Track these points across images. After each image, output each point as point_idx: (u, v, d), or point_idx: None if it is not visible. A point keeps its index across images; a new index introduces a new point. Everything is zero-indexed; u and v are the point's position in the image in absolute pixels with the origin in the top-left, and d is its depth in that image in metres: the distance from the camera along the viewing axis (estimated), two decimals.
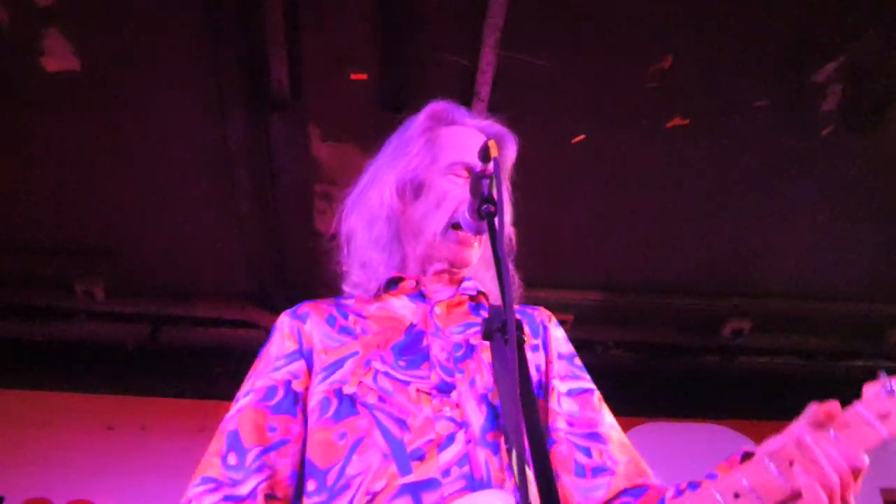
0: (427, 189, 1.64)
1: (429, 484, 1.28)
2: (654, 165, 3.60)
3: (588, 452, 1.47)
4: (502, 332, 1.22)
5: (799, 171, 3.61)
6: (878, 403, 1.21)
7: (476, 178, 1.40)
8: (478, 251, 1.61)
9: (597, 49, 3.00)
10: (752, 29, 2.93)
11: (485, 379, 1.41)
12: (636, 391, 4.54)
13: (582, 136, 3.46)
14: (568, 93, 3.19)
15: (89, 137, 3.30)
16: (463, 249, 1.58)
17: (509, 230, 1.72)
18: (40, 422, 3.92)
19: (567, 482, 1.43)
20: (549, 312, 1.68)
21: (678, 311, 4.48)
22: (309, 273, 3.90)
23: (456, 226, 1.57)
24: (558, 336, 1.63)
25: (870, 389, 1.24)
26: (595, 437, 1.50)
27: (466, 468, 1.31)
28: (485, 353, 1.45)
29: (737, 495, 1.13)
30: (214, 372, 4.09)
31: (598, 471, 1.45)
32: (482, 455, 1.32)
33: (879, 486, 4.27)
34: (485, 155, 1.37)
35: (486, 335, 1.24)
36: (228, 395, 4.07)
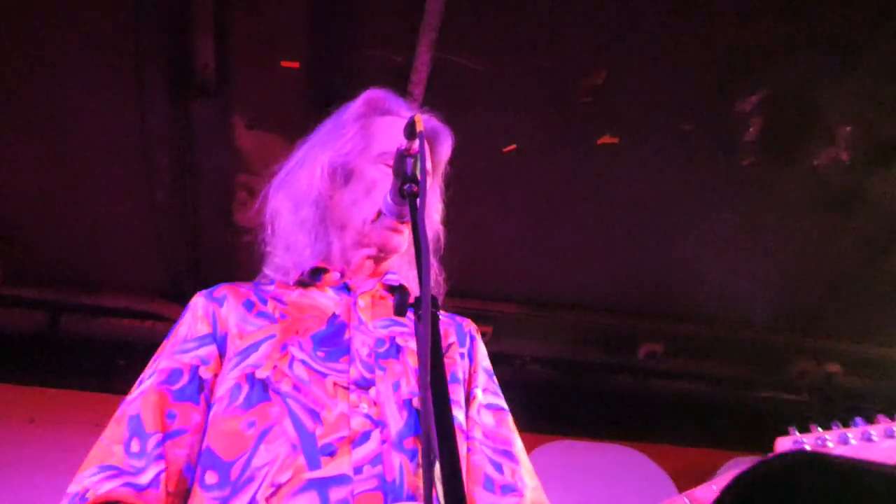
0: (357, 176, 1.60)
1: (338, 480, 1.24)
2: (581, 181, 3.62)
3: (500, 468, 1.46)
4: (415, 308, 1.16)
5: (721, 197, 3.68)
6: None
7: (400, 157, 1.34)
8: (406, 238, 1.57)
9: (533, 58, 3.00)
10: (684, 53, 2.99)
11: (410, 384, 1.38)
12: (550, 407, 4.56)
13: (513, 146, 3.46)
14: (502, 100, 3.19)
15: None
16: (394, 235, 1.54)
17: (439, 228, 1.70)
18: None
19: (475, 493, 1.42)
20: (475, 325, 1.67)
21: (596, 329, 4.50)
22: (224, 267, 3.77)
23: (378, 215, 1.53)
24: (482, 350, 1.62)
25: (782, 444, 1.31)
26: (508, 455, 1.49)
27: (379, 468, 1.27)
28: (411, 357, 1.43)
29: None
30: (116, 365, 3.90)
31: (508, 489, 1.44)
32: (397, 459, 1.28)
33: None
34: (410, 132, 1.32)
35: (399, 310, 1.19)
36: (129, 389, 3.90)
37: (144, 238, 3.72)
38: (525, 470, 1.49)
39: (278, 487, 1.23)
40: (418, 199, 1.27)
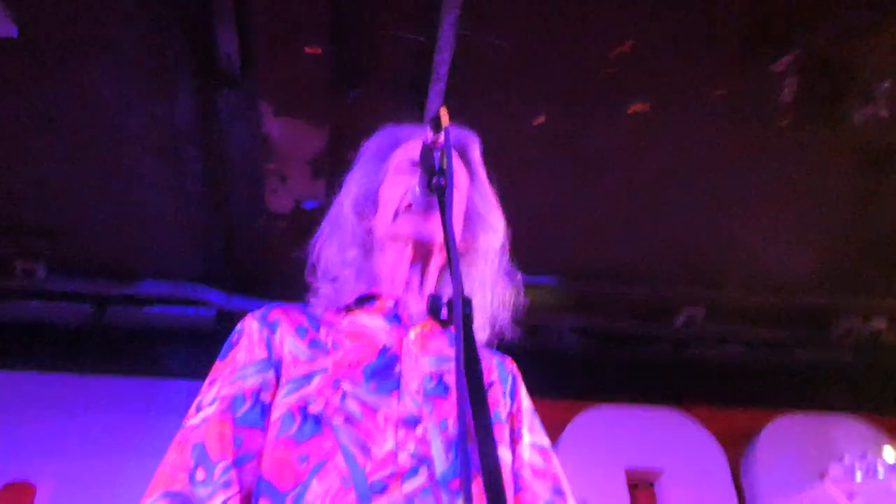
0: (379, 197, 1.62)
1: None
2: (613, 150, 3.55)
3: None
4: (449, 309, 1.14)
5: (757, 160, 3.60)
6: (845, 483, 1.26)
7: (426, 150, 1.32)
8: (439, 227, 1.51)
9: (558, 30, 2.94)
10: (713, 16, 2.91)
11: (457, 424, 1.35)
12: (589, 377, 4.58)
13: (542, 119, 3.41)
14: (528, 74, 3.14)
15: (29, 112, 3.16)
16: (421, 221, 1.51)
17: (504, 232, 1.66)
18: None
19: None
20: (515, 364, 1.64)
21: (633, 297, 4.47)
22: (259, 253, 3.83)
23: (408, 207, 1.52)
24: (524, 389, 1.60)
25: (836, 469, 1.27)
26: (560, 493, 1.50)
27: (430, 499, 1.26)
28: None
29: None
30: (161, 351, 3.99)
31: None
32: (445, 497, 1.27)
33: (818, 470, 4.34)
34: (436, 125, 1.29)
35: (432, 311, 1.18)
36: (175, 374, 3.98)
37: (180, 227, 3.76)
38: None
39: None
40: (447, 194, 1.25)
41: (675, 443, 4.33)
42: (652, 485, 4.33)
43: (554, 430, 4.26)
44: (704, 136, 3.44)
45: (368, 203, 1.62)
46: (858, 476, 1.32)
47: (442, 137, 1.29)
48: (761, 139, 3.48)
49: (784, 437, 4.46)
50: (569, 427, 4.30)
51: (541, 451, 1.54)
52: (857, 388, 4.76)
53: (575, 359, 4.54)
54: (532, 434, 1.55)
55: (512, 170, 3.62)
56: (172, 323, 4.01)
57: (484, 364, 1.54)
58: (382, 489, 1.26)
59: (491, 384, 1.55)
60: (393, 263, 1.57)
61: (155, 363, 3.93)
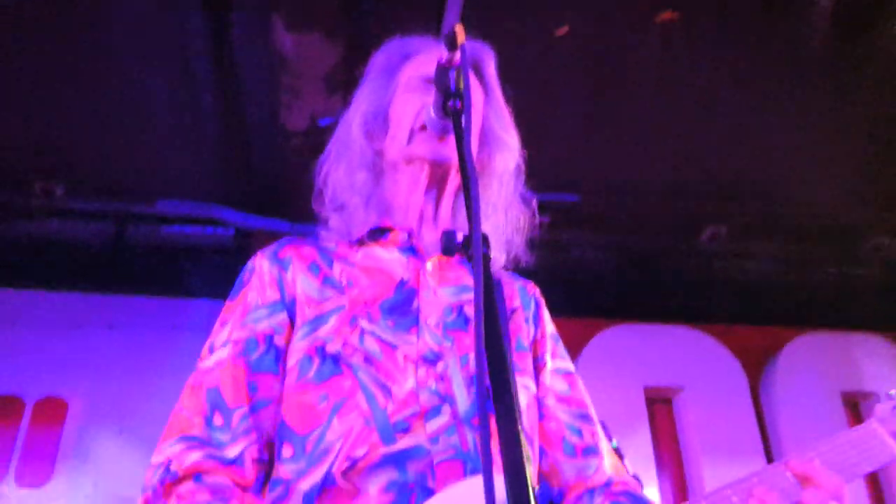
0: (390, 117, 1.53)
1: (415, 452, 1.22)
2: (640, 62, 3.42)
3: (579, 433, 1.46)
4: (464, 249, 1.07)
5: (791, 75, 3.45)
6: (890, 423, 1.30)
7: (441, 70, 1.23)
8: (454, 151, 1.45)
9: None
10: None
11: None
12: (611, 294, 4.56)
13: (566, 29, 3.27)
14: None
15: (44, 34, 3.09)
16: (438, 143, 1.43)
17: (519, 152, 1.58)
18: (7, 320, 3.87)
19: (555, 459, 1.42)
20: (538, 289, 1.60)
21: (658, 213, 4.39)
22: (275, 171, 3.78)
23: (423, 128, 1.44)
24: (547, 315, 1.57)
25: (882, 410, 1.31)
26: (587, 418, 1.49)
27: (455, 438, 1.24)
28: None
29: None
30: (182, 270, 4.01)
31: (589, 451, 1.44)
32: (469, 434, 1.25)
33: (840, 389, 4.37)
34: (451, 42, 1.21)
35: (447, 250, 1.08)
36: (196, 293, 3.98)
37: (196, 146, 3.71)
38: (601, 431, 1.49)
39: (354, 462, 1.21)
40: (463, 117, 1.17)
41: (694, 361, 4.34)
42: (670, 401, 4.37)
43: (574, 348, 4.29)
44: (737, 49, 3.29)
45: (378, 122, 1.53)
46: None
47: (458, 56, 1.21)
48: (797, 53, 3.32)
49: (805, 356, 4.45)
50: (588, 345, 4.32)
51: (565, 376, 1.52)
52: (884, 306, 4.70)
53: (596, 276, 4.51)
54: (556, 360, 1.52)
55: (535, 81, 3.57)
56: (191, 242, 4.01)
57: (506, 290, 1.52)
58: (406, 429, 1.24)
59: (513, 311, 1.51)
60: (407, 189, 1.50)
61: (176, 283, 3.96)
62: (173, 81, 3.35)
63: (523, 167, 1.58)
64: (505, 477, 0.83)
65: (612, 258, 4.56)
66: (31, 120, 3.54)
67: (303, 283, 1.40)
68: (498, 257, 1.52)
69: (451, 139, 1.41)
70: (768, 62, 3.37)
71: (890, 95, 3.56)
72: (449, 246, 1.07)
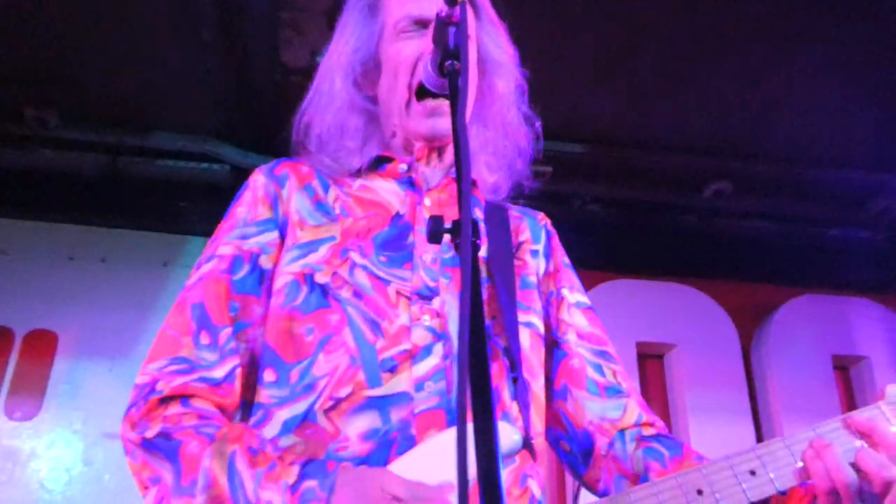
0: (382, 62, 1.46)
1: (399, 398, 1.20)
2: (652, 8, 3.32)
3: (601, 370, 1.43)
4: (453, 235, 1.01)
5: (809, 28, 3.34)
6: None
7: (441, 25, 1.18)
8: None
9: None
10: None
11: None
12: (612, 247, 4.52)
13: None
14: None
15: None
16: (436, 120, 1.40)
17: (518, 70, 1.54)
18: None
19: (579, 397, 1.39)
20: (549, 220, 1.57)
21: (663, 167, 4.33)
22: (275, 108, 3.69)
23: (421, 90, 1.38)
24: (560, 246, 1.54)
25: (891, 390, 1.25)
26: (605, 355, 1.46)
27: (441, 384, 1.22)
28: (480, 266, 1.29)
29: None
30: (177, 206, 3.95)
31: (612, 391, 1.41)
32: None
33: (831, 352, 4.38)
34: None
35: (433, 237, 1.02)
36: (190, 230, 3.92)
37: (195, 79, 3.60)
38: (622, 369, 1.47)
39: (337, 402, 1.20)
40: (460, 80, 1.11)
41: (688, 317, 4.33)
42: (662, 358, 4.37)
43: None
44: (749, 3, 3.17)
45: (368, 68, 1.47)
46: None
47: (458, 12, 1.15)
48: (817, 4, 3.22)
49: (799, 317, 4.44)
50: None
51: (585, 311, 1.50)
52: (882, 271, 4.67)
53: (596, 229, 4.47)
54: (573, 293, 1.50)
55: (543, 23, 3.45)
56: (186, 177, 3.93)
57: (513, 223, 1.48)
58: (392, 368, 1.22)
59: (519, 245, 1.47)
60: (409, 139, 1.46)
61: (170, 218, 3.90)
62: (174, 13, 3.24)
63: (525, 86, 1.54)
64: (476, 453, 0.79)
65: (613, 212, 4.52)
66: (25, 46, 3.43)
67: (297, 203, 1.37)
68: (501, 183, 1.49)
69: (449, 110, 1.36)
70: (787, 13, 3.27)
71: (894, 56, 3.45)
72: (435, 232, 1.02)
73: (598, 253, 4.43)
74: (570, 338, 1.46)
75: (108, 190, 3.91)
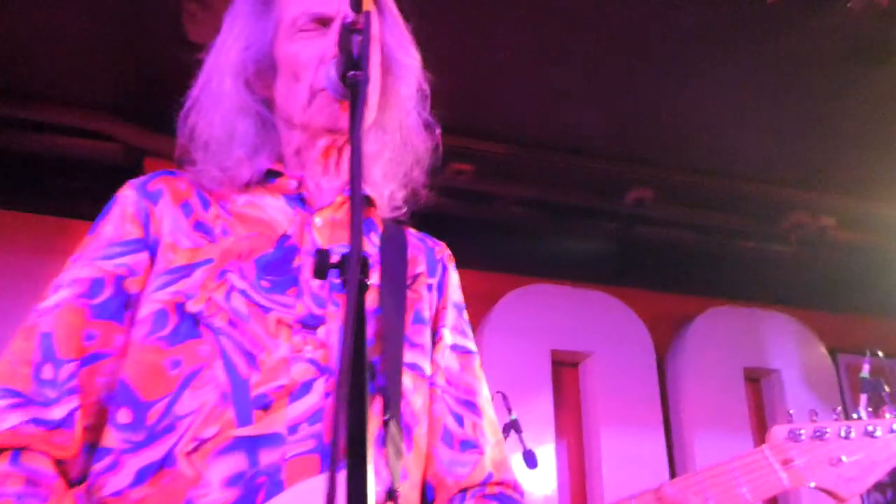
0: (281, 61, 1.34)
1: (270, 439, 1.10)
2: (581, 10, 3.26)
3: (461, 421, 1.33)
4: (341, 270, 0.94)
5: (736, 38, 3.35)
6: (783, 449, 1.24)
7: (345, 31, 1.09)
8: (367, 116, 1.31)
9: None
10: None
11: (367, 327, 1.19)
12: (531, 250, 4.44)
13: None
14: None
15: None
16: (339, 110, 1.28)
17: (421, 73, 1.44)
18: None
19: (434, 447, 1.31)
20: (449, 252, 1.47)
21: (585, 171, 4.28)
22: (176, 88, 3.41)
23: (323, 90, 1.27)
24: (454, 281, 1.44)
25: (777, 434, 1.25)
26: (471, 406, 1.36)
27: (318, 427, 1.11)
28: (370, 296, 1.23)
29: None
30: (64, 186, 3.63)
31: (468, 445, 1.32)
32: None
33: (743, 364, 4.40)
34: (356, 3, 1.09)
35: (318, 272, 0.95)
36: (77, 213, 3.57)
37: (92, 50, 3.34)
38: (487, 422, 1.36)
39: (201, 442, 1.09)
40: (361, 91, 1.02)
41: (604, 326, 4.29)
42: (577, 366, 4.31)
43: (485, 303, 4.16)
44: (684, 8, 3.14)
45: (262, 67, 1.35)
46: (804, 433, 1.24)
47: (362, 20, 1.07)
48: (746, 15, 3.20)
49: (714, 328, 4.45)
50: (500, 302, 4.19)
51: (460, 354, 1.39)
52: (795, 284, 4.74)
53: (516, 231, 4.38)
54: (454, 334, 1.39)
55: (469, 19, 3.33)
56: (76, 155, 3.63)
57: (410, 252, 1.40)
58: (266, 405, 1.12)
59: (415, 277, 1.38)
60: (304, 145, 1.35)
61: (53, 199, 3.58)
62: None
63: (427, 91, 1.44)
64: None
65: (533, 214, 4.44)
66: None
67: (171, 223, 1.25)
68: (397, 192, 1.42)
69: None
70: (718, 21, 3.26)
71: (844, 68, 3.51)
72: (322, 267, 0.95)
73: (516, 255, 4.35)
74: (439, 381, 1.35)
75: None
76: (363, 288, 0.92)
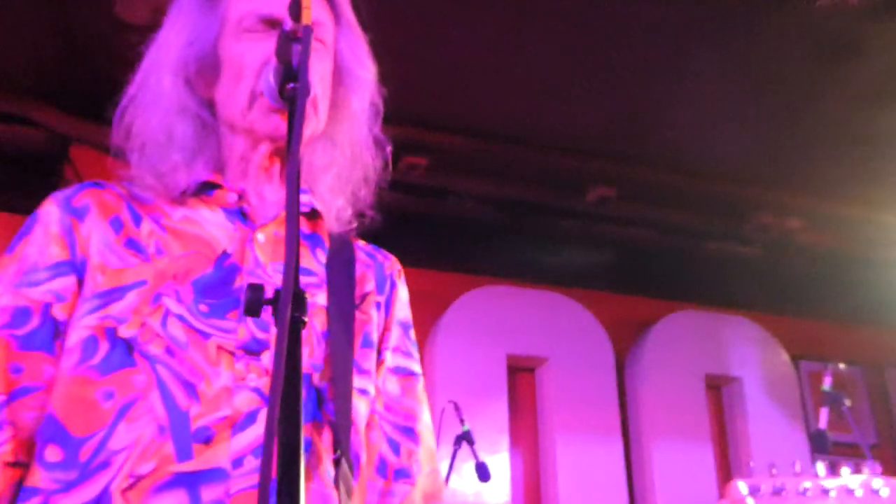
0: (222, 62, 1.27)
1: (212, 475, 1.05)
2: (543, 4, 3.17)
3: (397, 450, 1.30)
4: (274, 307, 0.88)
5: (706, 35, 3.27)
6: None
7: (285, 39, 1.05)
8: (311, 122, 1.25)
9: None
10: None
11: (314, 354, 1.17)
12: (486, 249, 4.31)
13: None
14: None
15: None
16: (279, 119, 1.22)
17: (375, 86, 1.39)
18: None
19: (368, 475, 1.27)
20: (399, 266, 1.42)
21: (545, 167, 4.17)
22: (105, 70, 3.19)
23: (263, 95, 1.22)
24: (402, 298, 1.40)
25: (736, 491, 1.20)
26: (409, 432, 1.33)
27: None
28: (319, 317, 1.19)
29: None
30: None
31: (400, 475, 1.29)
32: None
33: (705, 371, 4.31)
34: (294, 11, 1.03)
35: (250, 308, 0.89)
36: None
37: (11, 26, 3.15)
38: (424, 450, 1.31)
39: (138, 479, 1.05)
40: (298, 105, 0.96)
41: (562, 329, 4.17)
42: (533, 371, 4.18)
43: (440, 304, 4.00)
44: (646, 8, 3.08)
45: (204, 66, 1.27)
46: (763, 489, 1.14)
47: (301, 31, 1.01)
48: (715, 11, 3.12)
49: (676, 333, 4.35)
50: (455, 304, 4.05)
51: (402, 377, 1.34)
52: (759, 288, 4.66)
53: (471, 227, 4.24)
54: (396, 355, 1.34)
55: (431, 10, 3.19)
56: None
57: (359, 269, 1.35)
58: (207, 438, 1.07)
59: (364, 296, 1.33)
60: (246, 150, 1.27)
61: None
62: None
63: (381, 106, 1.38)
64: None
65: (490, 210, 4.31)
66: None
67: (99, 242, 1.19)
68: (342, 211, 1.37)
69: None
70: (688, 18, 3.18)
71: (812, 67, 3.44)
72: (254, 305, 0.89)
73: (471, 254, 4.21)
74: (377, 407, 1.30)
75: None
76: (299, 327, 0.87)
